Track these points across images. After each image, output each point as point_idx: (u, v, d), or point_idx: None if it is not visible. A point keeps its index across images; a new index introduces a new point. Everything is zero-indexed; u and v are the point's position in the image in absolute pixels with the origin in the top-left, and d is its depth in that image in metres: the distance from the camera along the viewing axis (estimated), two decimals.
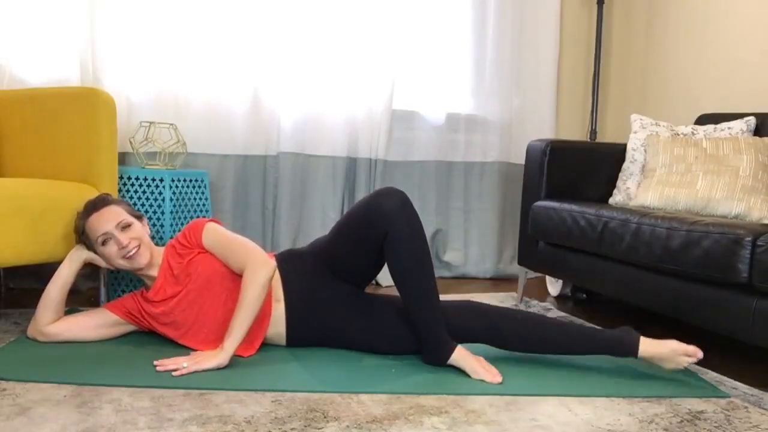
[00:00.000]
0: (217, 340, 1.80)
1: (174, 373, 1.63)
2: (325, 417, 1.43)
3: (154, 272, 1.89)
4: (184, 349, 1.81)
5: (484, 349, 1.86)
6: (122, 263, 1.85)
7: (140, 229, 1.89)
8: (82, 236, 1.88)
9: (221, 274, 1.85)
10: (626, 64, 3.55)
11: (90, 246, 1.87)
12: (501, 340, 1.82)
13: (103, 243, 1.84)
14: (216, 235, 1.88)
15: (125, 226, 1.85)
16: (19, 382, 1.55)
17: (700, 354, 1.73)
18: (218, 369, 1.67)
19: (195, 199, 2.53)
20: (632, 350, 1.76)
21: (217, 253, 1.87)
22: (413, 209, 1.75)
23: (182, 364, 1.66)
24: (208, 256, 1.87)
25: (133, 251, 1.83)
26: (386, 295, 1.92)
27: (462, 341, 1.82)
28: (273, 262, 1.79)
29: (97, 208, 1.86)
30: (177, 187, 2.42)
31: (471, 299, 1.90)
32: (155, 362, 1.68)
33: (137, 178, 2.39)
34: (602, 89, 3.59)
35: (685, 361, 1.75)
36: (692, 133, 2.60)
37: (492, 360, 1.77)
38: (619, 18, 3.59)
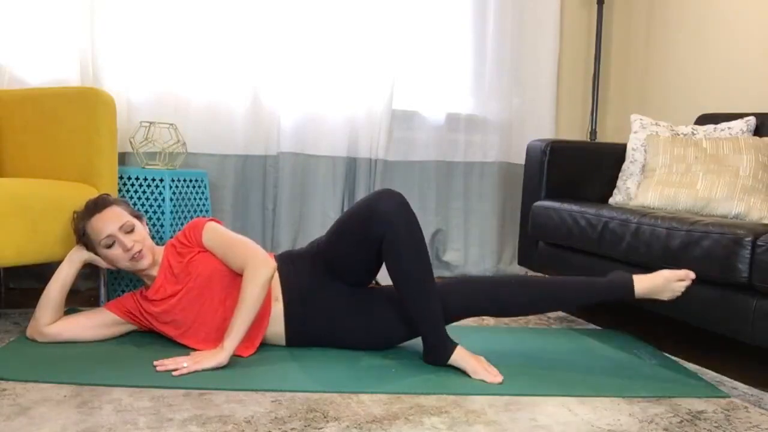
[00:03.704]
0: (217, 339, 1.80)
1: (174, 373, 1.63)
2: (325, 417, 1.43)
3: (154, 272, 1.89)
4: (184, 349, 1.81)
5: (484, 349, 1.86)
6: (126, 265, 1.85)
7: (143, 231, 1.89)
8: (83, 237, 1.87)
9: (221, 273, 1.85)
10: (626, 64, 3.55)
11: (91, 247, 1.87)
12: (500, 307, 1.84)
13: (107, 246, 1.84)
14: (216, 234, 1.88)
15: (129, 230, 1.85)
16: (19, 382, 1.55)
17: (692, 275, 1.81)
18: (218, 368, 1.67)
19: (195, 199, 2.53)
20: (629, 290, 1.83)
21: (217, 252, 1.87)
22: (411, 211, 1.75)
23: (182, 364, 1.66)
24: (209, 256, 1.88)
25: (137, 254, 1.83)
26: (385, 291, 1.92)
27: (461, 318, 1.85)
28: (273, 262, 1.80)
29: (98, 209, 1.86)
30: (177, 187, 2.42)
31: (462, 276, 1.92)
32: (155, 362, 1.68)
33: (137, 178, 2.39)
34: (602, 89, 3.59)
35: (681, 286, 1.81)
36: (692, 133, 2.60)
37: (492, 360, 1.77)
38: (619, 18, 3.59)
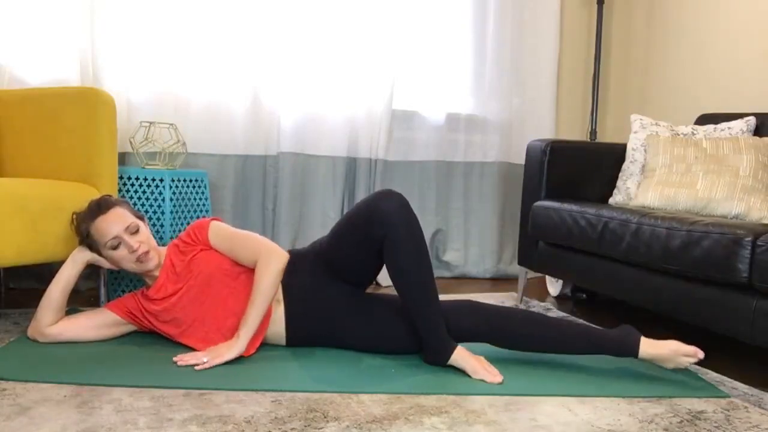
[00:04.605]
0: (216, 339, 1.80)
1: (196, 368, 1.66)
2: (325, 417, 1.43)
3: (157, 272, 1.89)
4: (185, 348, 1.81)
5: (484, 349, 1.86)
6: (132, 266, 1.86)
7: (147, 233, 1.90)
8: (87, 239, 1.87)
9: (223, 271, 1.85)
10: (626, 64, 3.55)
11: (94, 248, 1.87)
12: (501, 339, 1.82)
13: (113, 247, 1.84)
14: (223, 232, 1.90)
15: (134, 231, 1.85)
16: (19, 382, 1.55)
17: (700, 354, 1.74)
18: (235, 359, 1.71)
19: (195, 199, 2.53)
20: (633, 351, 1.76)
21: (225, 249, 1.88)
22: (412, 211, 1.75)
23: (202, 359, 1.69)
24: (211, 253, 1.88)
25: (143, 255, 1.83)
26: (386, 295, 1.92)
27: (463, 341, 1.82)
28: (285, 252, 1.81)
29: (102, 210, 1.86)
30: (177, 187, 2.42)
31: (471, 299, 1.90)
32: (175, 358, 1.71)
33: (137, 178, 2.39)
34: (602, 89, 3.59)
35: (686, 362, 1.75)
36: (692, 133, 2.60)
37: (492, 360, 1.77)
38: (619, 18, 3.59)
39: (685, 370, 1.84)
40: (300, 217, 3.06)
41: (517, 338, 1.81)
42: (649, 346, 1.76)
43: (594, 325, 1.86)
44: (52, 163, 2.19)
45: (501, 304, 1.90)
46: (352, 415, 1.45)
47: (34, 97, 2.24)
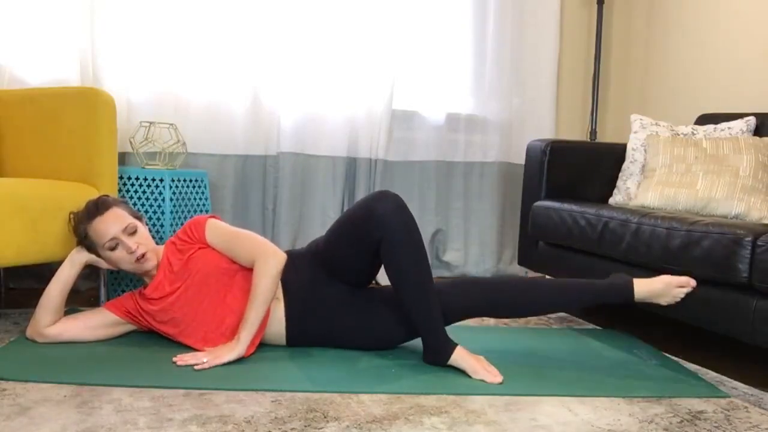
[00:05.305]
0: (216, 338, 1.80)
1: (196, 367, 1.66)
2: (325, 417, 1.43)
3: (155, 270, 1.89)
4: (185, 348, 1.81)
5: (483, 349, 1.86)
6: (131, 267, 1.86)
7: (145, 233, 1.89)
8: (85, 240, 1.87)
9: (220, 270, 1.85)
10: (626, 64, 3.55)
11: (93, 249, 1.87)
12: (500, 310, 1.85)
13: (111, 248, 1.84)
14: (220, 230, 1.89)
15: (132, 232, 1.85)
16: (19, 382, 1.55)
17: (693, 282, 1.81)
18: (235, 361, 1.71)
19: (195, 199, 2.53)
20: (628, 293, 1.82)
21: (222, 248, 1.87)
22: (409, 212, 1.75)
23: (202, 359, 1.69)
24: (208, 252, 1.88)
25: (142, 256, 1.83)
26: (385, 291, 1.92)
27: (460, 319, 1.85)
28: (283, 253, 1.81)
29: (100, 211, 1.86)
30: (177, 187, 2.42)
31: (462, 277, 1.93)
32: (174, 358, 1.71)
33: (137, 178, 2.39)
34: (602, 89, 3.58)
35: (681, 293, 1.82)
36: (692, 133, 2.60)
37: (492, 360, 1.77)
38: (619, 18, 3.59)
39: (684, 370, 1.84)
40: (300, 217, 3.06)
41: (517, 306, 1.84)
42: (642, 286, 1.83)
43: (584, 279, 1.91)
44: (52, 163, 2.19)
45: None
46: (352, 415, 1.45)
47: (34, 97, 2.24)
